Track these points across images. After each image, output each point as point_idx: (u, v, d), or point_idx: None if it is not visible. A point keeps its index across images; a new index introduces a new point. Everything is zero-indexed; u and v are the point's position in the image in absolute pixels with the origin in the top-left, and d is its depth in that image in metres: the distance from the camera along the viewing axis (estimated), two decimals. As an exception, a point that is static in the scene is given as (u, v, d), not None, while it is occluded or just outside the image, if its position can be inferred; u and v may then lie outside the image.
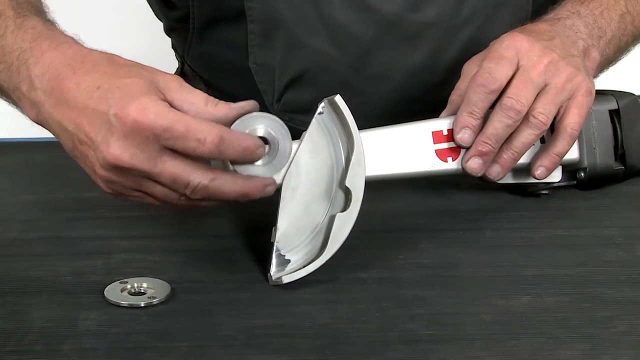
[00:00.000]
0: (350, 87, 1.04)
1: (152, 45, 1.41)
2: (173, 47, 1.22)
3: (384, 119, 0.88)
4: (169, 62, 1.25)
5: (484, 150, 0.85)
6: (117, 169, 0.71)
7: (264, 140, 0.74)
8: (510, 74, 0.86)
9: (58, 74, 0.74)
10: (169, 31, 1.18)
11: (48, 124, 0.76)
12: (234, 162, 0.73)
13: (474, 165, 0.86)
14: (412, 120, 0.87)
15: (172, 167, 0.71)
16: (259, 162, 0.73)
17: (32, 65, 0.76)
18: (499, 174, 0.87)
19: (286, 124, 1.09)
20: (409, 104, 1.06)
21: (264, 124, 0.74)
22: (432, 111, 0.92)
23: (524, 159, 0.89)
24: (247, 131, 0.73)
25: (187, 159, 0.71)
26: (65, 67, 0.74)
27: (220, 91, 1.15)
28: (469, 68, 0.90)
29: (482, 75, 0.86)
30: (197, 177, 0.71)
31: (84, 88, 0.73)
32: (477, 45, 1.03)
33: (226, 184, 0.72)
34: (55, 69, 0.75)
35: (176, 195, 0.73)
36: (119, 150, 0.70)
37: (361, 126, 0.78)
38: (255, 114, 0.74)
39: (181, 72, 1.22)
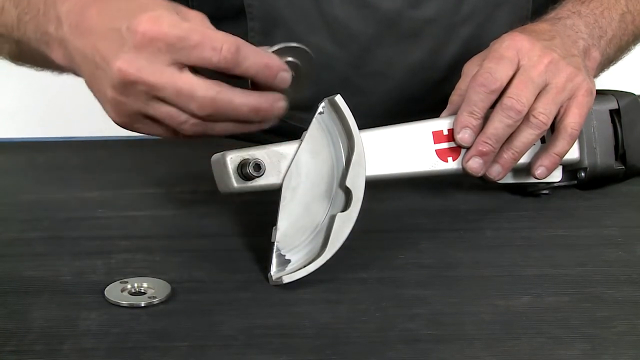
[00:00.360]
0: (350, 85, 1.04)
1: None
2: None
3: (385, 117, 0.88)
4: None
5: (484, 150, 0.85)
6: (125, 85, 0.70)
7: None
8: (510, 73, 0.86)
9: (83, 7, 0.74)
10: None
11: (73, 59, 0.75)
12: (255, 83, 0.71)
13: (475, 165, 0.86)
14: (413, 119, 0.87)
15: (178, 80, 0.69)
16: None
17: (59, 5, 0.76)
18: (500, 173, 0.87)
19: (286, 121, 1.09)
20: (409, 102, 1.06)
21: (292, 54, 0.73)
22: (432, 109, 0.92)
23: (524, 159, 0.89)
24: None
25: (196, 74, 0.69)
26: (91, 1, 0.74)
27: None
28: (470, 68, 0.90)
29: (482, 75, 0.86)
30: (202, 89, 0.69)
31: (106, 13, 0.72)
32: (477, 42, 1.03)
33: (235, 97, 0.70)
34: (82, 4, 0.75)
35: (184, 115, 0.71)
36: (126, 64, 0.69)
37: (361, 124, 0.78)
38: (283, 44, 0.73)
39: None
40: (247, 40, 1.04)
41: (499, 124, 0.85)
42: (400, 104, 1.06)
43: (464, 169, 0.86)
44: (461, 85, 0.90)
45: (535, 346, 0.66)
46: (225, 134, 0.75)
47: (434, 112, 0.90)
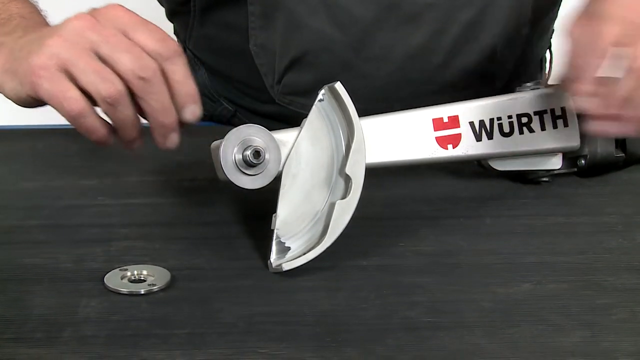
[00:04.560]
0: (350, 69, 1.04)
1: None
2: (175, 32, 1.22)
3: (385, 101, 0.87)
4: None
5: (609, 114, 0.81)
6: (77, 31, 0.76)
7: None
8: (618, 33, 0.81)
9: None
10: (170, 16, 1.18)
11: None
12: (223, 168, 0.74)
13: (600, 128, 0.83)
14: (413, 103, 0.87)
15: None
16: (249, 172, 0.74)
17: None
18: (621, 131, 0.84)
19: (286, 107, 1.09)
20: (409, 86, 1.06)
21: (257, 136, 0.75)
22: (433, 94, 0.92)
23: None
24: (240, 141, 0.74)
25: None
26: None
27: (222, 74, 1.15)
28: (576, 31, 0.84)
29: (592, 38, 0.81)
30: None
31: None
32: (477, 27, 1.03)
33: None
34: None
35: (113, 76, 0.75)
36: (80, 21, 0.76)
37: (362, 108, 0.78)
38: (247, 125, 0.75)
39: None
40: (248, 26, 1.05)
41: (625, 87, 0.80)
42: (400, 88, 1.06)
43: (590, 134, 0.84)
44: (574, 50, 0.84)
45: (535, 333, 0.66)
46: (123, 129, 0.77)
47: (434, 96, 0.90)
